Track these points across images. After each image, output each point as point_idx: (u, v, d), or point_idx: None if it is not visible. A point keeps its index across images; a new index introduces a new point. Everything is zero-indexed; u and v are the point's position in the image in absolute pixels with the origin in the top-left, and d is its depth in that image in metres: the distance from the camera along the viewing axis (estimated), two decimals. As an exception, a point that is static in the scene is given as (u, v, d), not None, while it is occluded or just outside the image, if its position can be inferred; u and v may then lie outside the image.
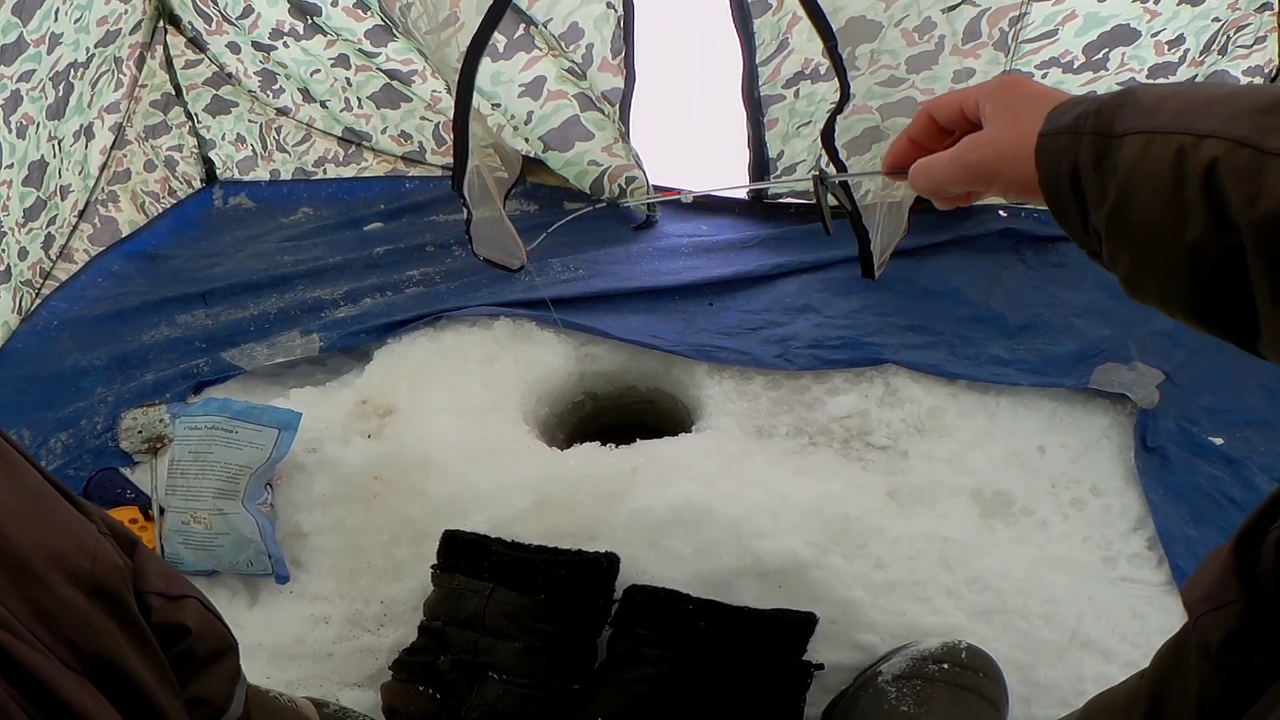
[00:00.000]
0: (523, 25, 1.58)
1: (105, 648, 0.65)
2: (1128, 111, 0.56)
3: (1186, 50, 1.45)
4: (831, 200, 0.98)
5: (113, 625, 0.66)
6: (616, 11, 1.56)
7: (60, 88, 1.66)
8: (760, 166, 1.74)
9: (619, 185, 1.82)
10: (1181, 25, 1.41)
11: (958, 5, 1.37)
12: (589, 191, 1.86)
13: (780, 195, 1.85)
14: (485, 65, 1.51)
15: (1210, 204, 0.51)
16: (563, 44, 1.60)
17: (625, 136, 1.73)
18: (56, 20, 1.56)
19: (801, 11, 1.31)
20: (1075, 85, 1.49)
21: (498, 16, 1.26)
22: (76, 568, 0.65)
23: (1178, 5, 1.38)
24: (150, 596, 0.75)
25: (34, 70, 1.56)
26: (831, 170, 1.46)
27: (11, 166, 1.59)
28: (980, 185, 0.70)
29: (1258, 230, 0.48)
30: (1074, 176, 0.59)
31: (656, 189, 1.85)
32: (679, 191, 1.15)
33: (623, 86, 1.65)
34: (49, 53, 1.58)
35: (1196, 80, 1.49)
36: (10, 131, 1.56)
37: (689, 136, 1.91)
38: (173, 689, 0.71)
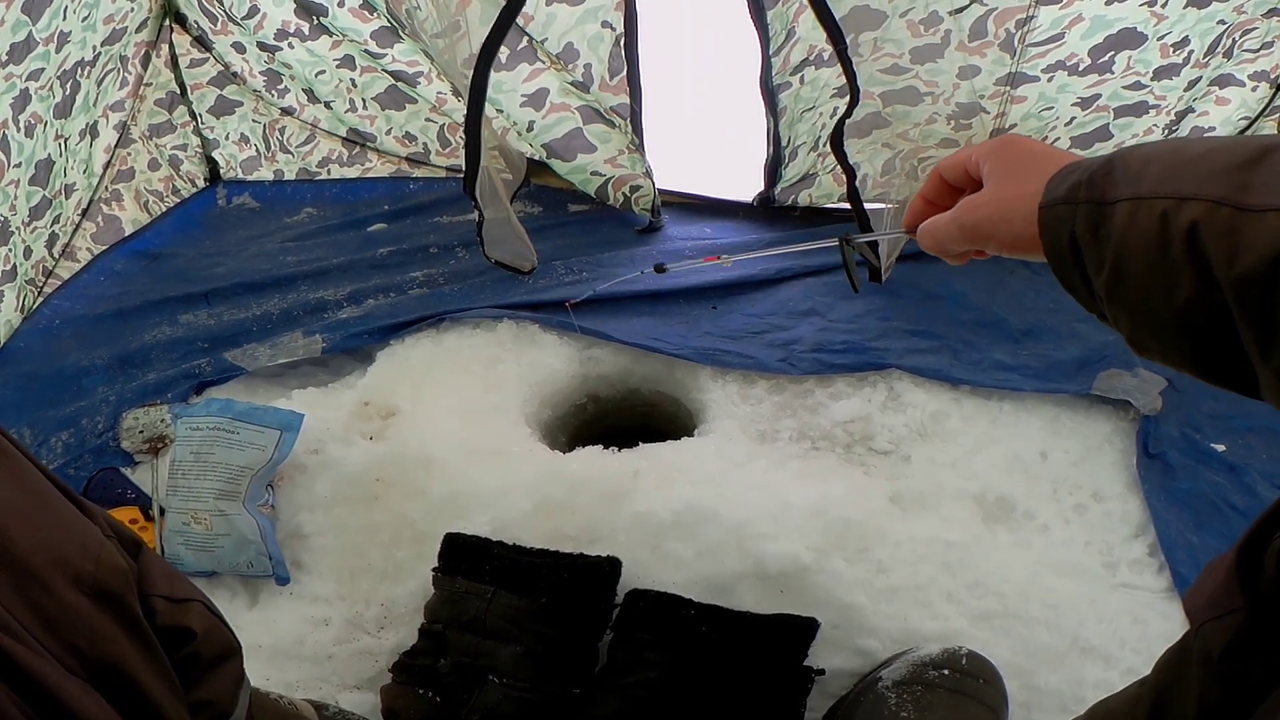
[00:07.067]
0: (526, 38, 1.58)
1: (108, 652, 0.64)
2: (1116, 179, 0.58)
3: (1190, 52, 1.44)
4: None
5: (116, 629, 0.66)
6: (614, 30, 1.55)
7: (68, 86, 1.66)
8: (777, 160, 1.74)
9: (623, 193, 1.82)
10: (1187, 27, 1.41)
11: (966, 6, 1.37)
12: (594, 197, 1.86)
13: (786, 201, 1.85)
14: (488, 73, 1.51)
15: (1195, 265, 0.52)
16: (562, 61, 1.60)
17: (639, 148, 1.73)
18: (65, 19, 1.56)
19: (806, 1, 1.32)
20: (1080, 88, 1.49)
21: (508, 24, 1.26)
22: (80, 570, 0.65)
23: (1184, 8, 1.38)
24: (154, 599, 0.75)
25: (43, 69, 1.56)
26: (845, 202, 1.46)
27: (19, 165, 1.58)
28: (978, 245, 0.73)
29: (1238, 288, 0.49)
30: (1074, 246, 0.61)
31: (670, 195, 1.84)
32: (718, 258, 1.17)
33: (629, 103, 1.65)
34: (57, 51, 1.58)
35: (1200, 82, 1.49)
36: (19, 130, 1.56)
37: (702, 134, 1.92)
38: (177, 693, 0.70)
